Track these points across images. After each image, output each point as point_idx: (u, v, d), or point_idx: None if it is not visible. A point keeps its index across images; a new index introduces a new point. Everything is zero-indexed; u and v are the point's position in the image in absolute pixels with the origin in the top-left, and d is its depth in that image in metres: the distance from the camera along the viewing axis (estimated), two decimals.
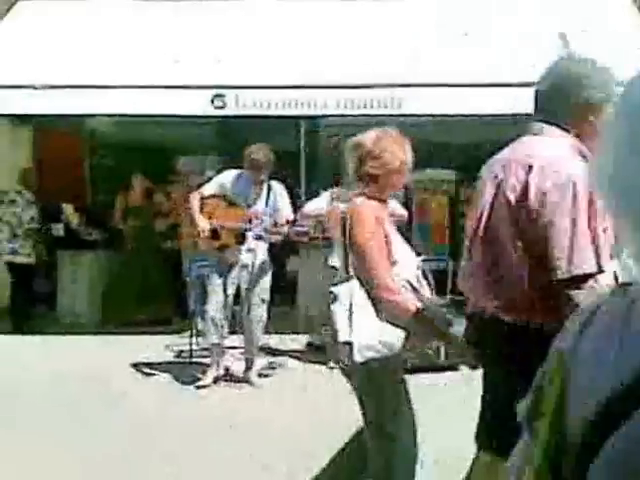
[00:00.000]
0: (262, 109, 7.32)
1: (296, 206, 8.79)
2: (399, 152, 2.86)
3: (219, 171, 6.32)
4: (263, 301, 6.01)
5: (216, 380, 6.02)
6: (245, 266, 5.90)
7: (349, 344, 2.70)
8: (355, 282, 2.78)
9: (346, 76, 7.15)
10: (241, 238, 5.89)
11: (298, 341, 7.33)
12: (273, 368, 6.48)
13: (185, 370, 6.37)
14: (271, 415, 5.19)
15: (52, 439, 4.61)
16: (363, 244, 2.74)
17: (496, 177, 2.41)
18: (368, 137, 2.88)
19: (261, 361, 6.46)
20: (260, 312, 6.00)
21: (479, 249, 2.47)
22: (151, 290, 8.22)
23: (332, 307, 2.80)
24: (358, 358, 2.70)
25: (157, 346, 6.99)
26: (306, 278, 8.06)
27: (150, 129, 8.79)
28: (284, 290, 8.11)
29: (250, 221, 5.85)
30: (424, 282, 2.91)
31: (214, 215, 5.87)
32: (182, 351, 6.90)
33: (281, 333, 7.46)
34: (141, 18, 8.24)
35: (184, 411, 5.30)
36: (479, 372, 2.63)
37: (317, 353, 6.90)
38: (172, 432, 4.79)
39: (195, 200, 5.87)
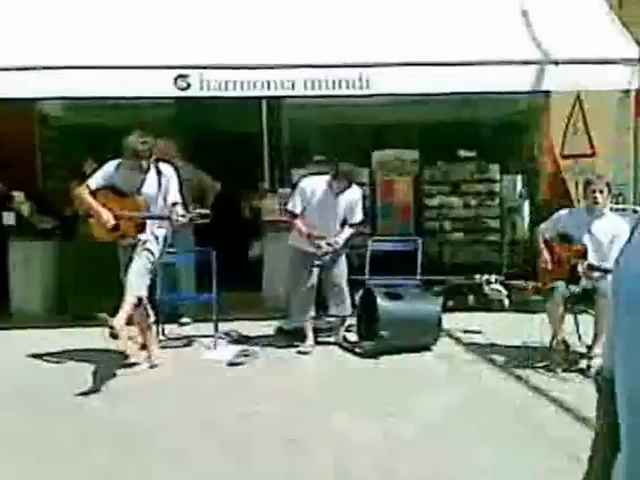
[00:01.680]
0: (226, 91, 7.02)
1: (259, 188, 8.60)
2: None
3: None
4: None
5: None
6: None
7: None
8: None
9: (314, 55, 6.96)
10: (141, 227, 5.71)
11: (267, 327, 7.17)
12: (246, 356, 6.30)
13: None
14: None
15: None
16: None
17: None
18: None
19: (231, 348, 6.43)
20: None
21: None
22: (111, 280, 7.84)
23: None
24: None
25: None
26: (271, 263, 7.94)
27: (106, 113, 8.41)
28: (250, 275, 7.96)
29: (148, 208, 5.71)
30: None
31: (108, 206, 5.70)
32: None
33: (249, 320, 7.30)
34: None
35: None
36: None
37: (288, 337, 6.78)
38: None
39: (85, 193, 5.71)
